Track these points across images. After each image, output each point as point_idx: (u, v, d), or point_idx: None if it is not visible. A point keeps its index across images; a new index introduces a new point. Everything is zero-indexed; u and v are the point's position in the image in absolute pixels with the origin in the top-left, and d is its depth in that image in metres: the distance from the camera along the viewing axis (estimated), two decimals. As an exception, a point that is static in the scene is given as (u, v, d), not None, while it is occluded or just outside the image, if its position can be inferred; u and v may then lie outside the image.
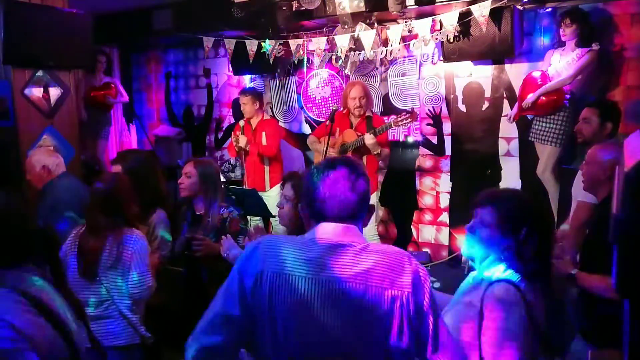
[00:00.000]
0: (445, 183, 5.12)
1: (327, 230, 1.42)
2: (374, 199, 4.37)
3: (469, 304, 1.61)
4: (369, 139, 4.14)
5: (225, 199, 3.10)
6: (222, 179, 5.27)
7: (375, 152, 4.22)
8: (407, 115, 4.10)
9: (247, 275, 1.39)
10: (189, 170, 2.96)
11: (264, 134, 4.98)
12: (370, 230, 4.42)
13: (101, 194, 2.57)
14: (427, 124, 5.16)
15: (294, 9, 4.51)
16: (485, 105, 4.85)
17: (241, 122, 5.09)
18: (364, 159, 4.32)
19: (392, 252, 1.40)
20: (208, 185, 2.96)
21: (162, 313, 2.82)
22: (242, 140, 4.94)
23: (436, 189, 5.18)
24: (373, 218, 4.41)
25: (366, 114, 4.43)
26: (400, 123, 4.11)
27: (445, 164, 5.10)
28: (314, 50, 4.81)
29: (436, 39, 4.42)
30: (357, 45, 4.62)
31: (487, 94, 4.83)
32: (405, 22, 4.48)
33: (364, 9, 4.38)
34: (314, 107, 5.79)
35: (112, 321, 2.52)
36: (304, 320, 1.35)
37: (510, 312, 1.51)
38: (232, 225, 2.87)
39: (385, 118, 4.73)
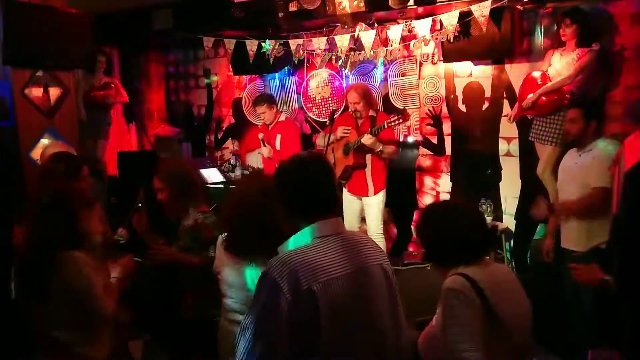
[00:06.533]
0: (445, 183, 5.12)
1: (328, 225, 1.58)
2: (380, 197, 4.40)
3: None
4: (367, 139, 4.16)
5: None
6: (222, 178, 5.28)
7: (377, 150, 4.24)
8: (400, 117, 4.12)
9: (285, 295, 1.41)
10: (159, 186, 2.81)
11: (278, 137, 4.99)
12: (376, 229, 4.43)
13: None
14: (427, 124, 5.16)
15: (294, 9, 4.51)
16: (485, 105, 4.85)
17: (260, 135, 5.12)
18: (369, 157, 4.33)
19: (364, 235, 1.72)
20: (180, 191, 2.80)
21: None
22: (266, 151, 5.02)
23: (436, 189, 5.18)
24: (380, 217, 4.44)
25: (370, 114, 4.41)
26: (392, 124, 4.14)
27: (445, 164, 5.10)
28: (314, 50, 4.81)
29: (436, 39, 4.42)
30: (357, 45, 4.62)
31: (487, 94, 4.82)
32: (405, 22, 4.48)
33: (364, 9, 4.37)
34: (314, 107, 5.79)
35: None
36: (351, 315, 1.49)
37: (457, 301, 1.62)
38: (207, 232, 2.68)
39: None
